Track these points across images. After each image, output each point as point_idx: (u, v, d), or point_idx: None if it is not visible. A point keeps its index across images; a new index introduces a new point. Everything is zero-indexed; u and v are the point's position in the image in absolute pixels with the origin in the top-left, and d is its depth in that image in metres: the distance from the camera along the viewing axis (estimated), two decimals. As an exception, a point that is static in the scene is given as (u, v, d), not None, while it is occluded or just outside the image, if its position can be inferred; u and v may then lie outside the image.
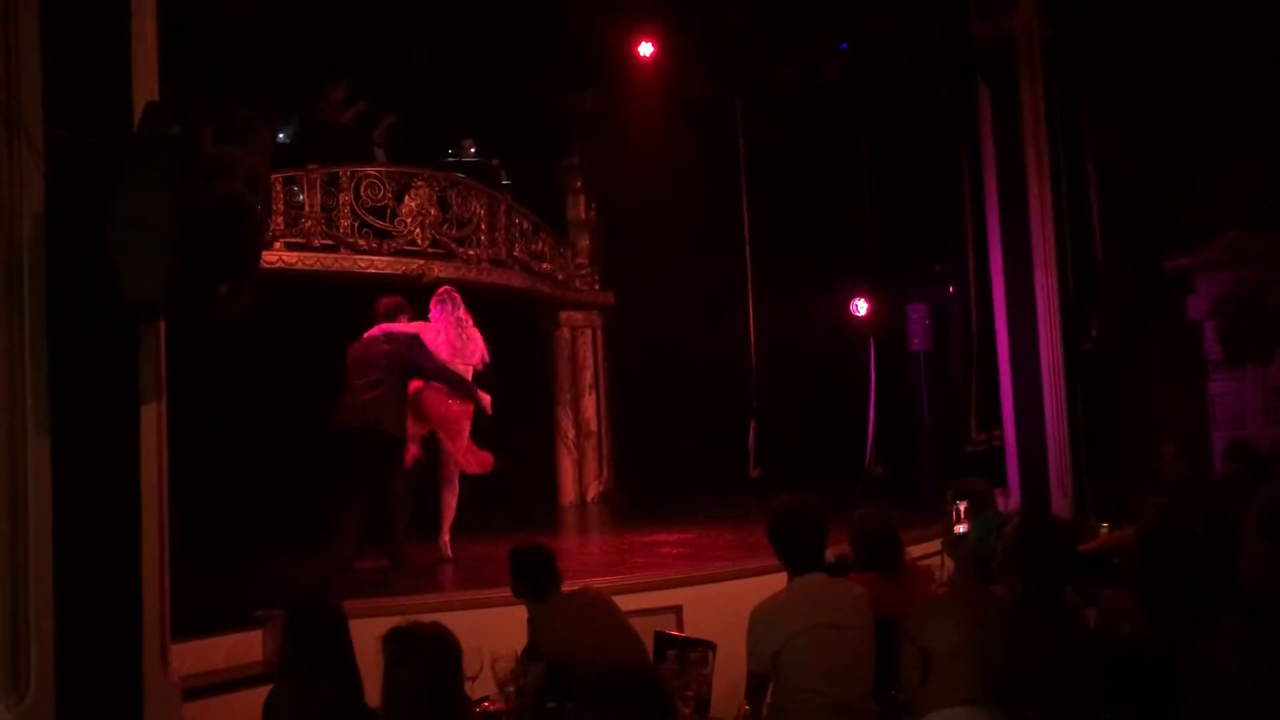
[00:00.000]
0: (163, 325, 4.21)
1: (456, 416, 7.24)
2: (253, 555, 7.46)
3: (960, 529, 6.19)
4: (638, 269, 11.46)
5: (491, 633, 4.03)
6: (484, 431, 9.52)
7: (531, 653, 3.84)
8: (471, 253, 9.48)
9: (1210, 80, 9.63)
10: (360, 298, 8.92)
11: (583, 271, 11.74)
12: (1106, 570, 5.28)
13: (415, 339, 7.06)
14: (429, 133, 10.21)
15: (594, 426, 11.69)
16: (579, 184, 11.94)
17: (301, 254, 8.39)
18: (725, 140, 11.34)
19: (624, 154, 11.35)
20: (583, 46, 10.25)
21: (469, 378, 7.31)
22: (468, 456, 7.31)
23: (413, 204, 9.05)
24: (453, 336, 7.24)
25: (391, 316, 7.18)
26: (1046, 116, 9.14)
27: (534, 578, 4.22)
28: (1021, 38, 9.15)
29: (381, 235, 8.80)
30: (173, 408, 4.23)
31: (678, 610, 5.90)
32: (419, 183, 9.15)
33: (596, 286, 11.91)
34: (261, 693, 3.45)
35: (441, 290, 7.51)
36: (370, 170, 8.88)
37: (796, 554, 3.77)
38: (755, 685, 3.61)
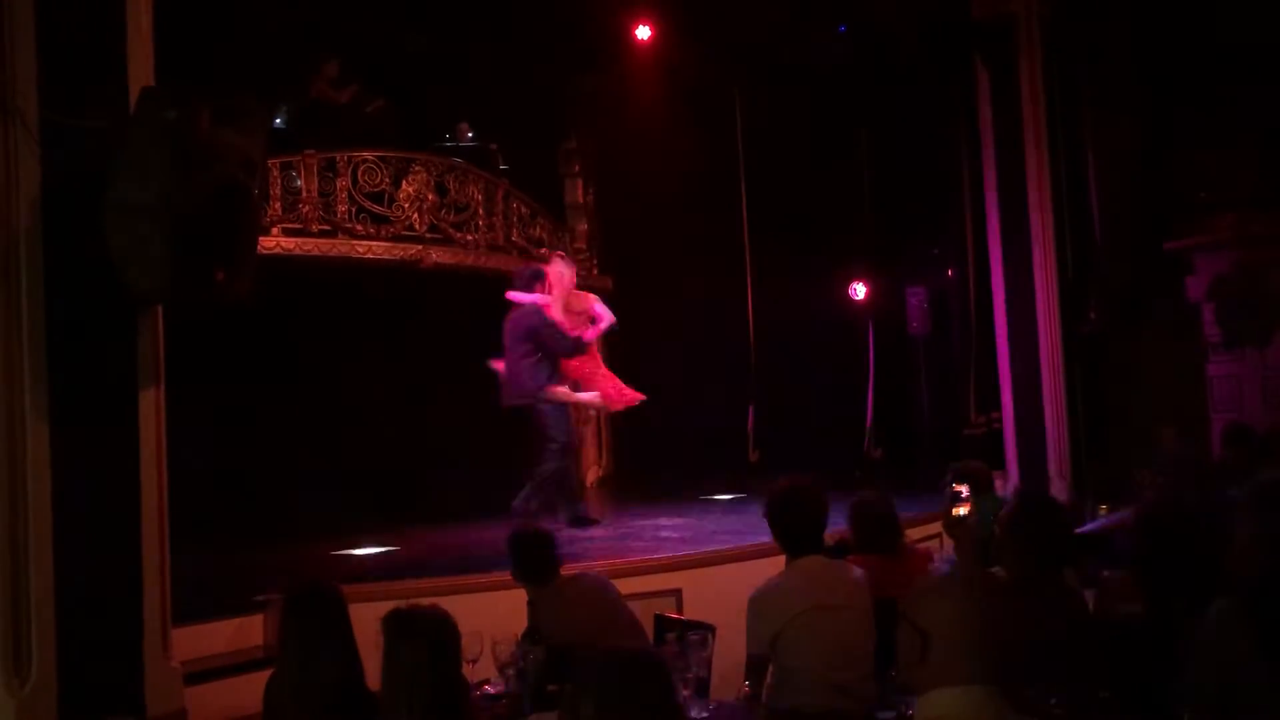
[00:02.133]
0: (161, 311, 4.21)
1: (585, 374, 7.90)
2: (252, 540, 7.46)
3: (960, 511, 6.21)
4: (636, 253, 11.44)
5: (492, 616, 4.04)
6: (485, 419, 9.56)
7: (532, 636, 3.84)
8: (469, 238, 9.46)
9: (1210, 60, 9.61)
10: (358, 283, 8.97)
11: (581, 256, 11.71)
12: (1106, 552, 5.29)
13: (537, 310, 7.55)
14: (426, 117, 10.17)
15: (592, 411, 11.68)
16: (577, 168, 11.91)
17: (299, 239, 8.36)
18: (724, 123, 11.31)
19: (623, 137, 11.32)
20: (581, 29, 10.20)
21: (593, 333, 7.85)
22: (615, 397, 7.99)
23: (410, 189, 9.02)
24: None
25: (527, 286, 7.69)
26: (1045, 97, 9.11)
27: (534, 561, 4.22)
28: (1021, 18, 9.12)
29: (379, 220, 8.78)
30: (172, 393, 4.23)
31: (677, 593, 5.91)
32: (416, 167, 9.12)
33: (595, 271, 11.89)
34: (262, 677, 3.46)
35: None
36: (367, 155, 8.85)
37: (795, 537, 3.78)
38: (755, 667, 3.62)
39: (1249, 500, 3.05)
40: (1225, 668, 2.65)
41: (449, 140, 10.22)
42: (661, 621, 4.43)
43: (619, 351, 11.52)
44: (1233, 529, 3.19)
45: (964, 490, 6.15)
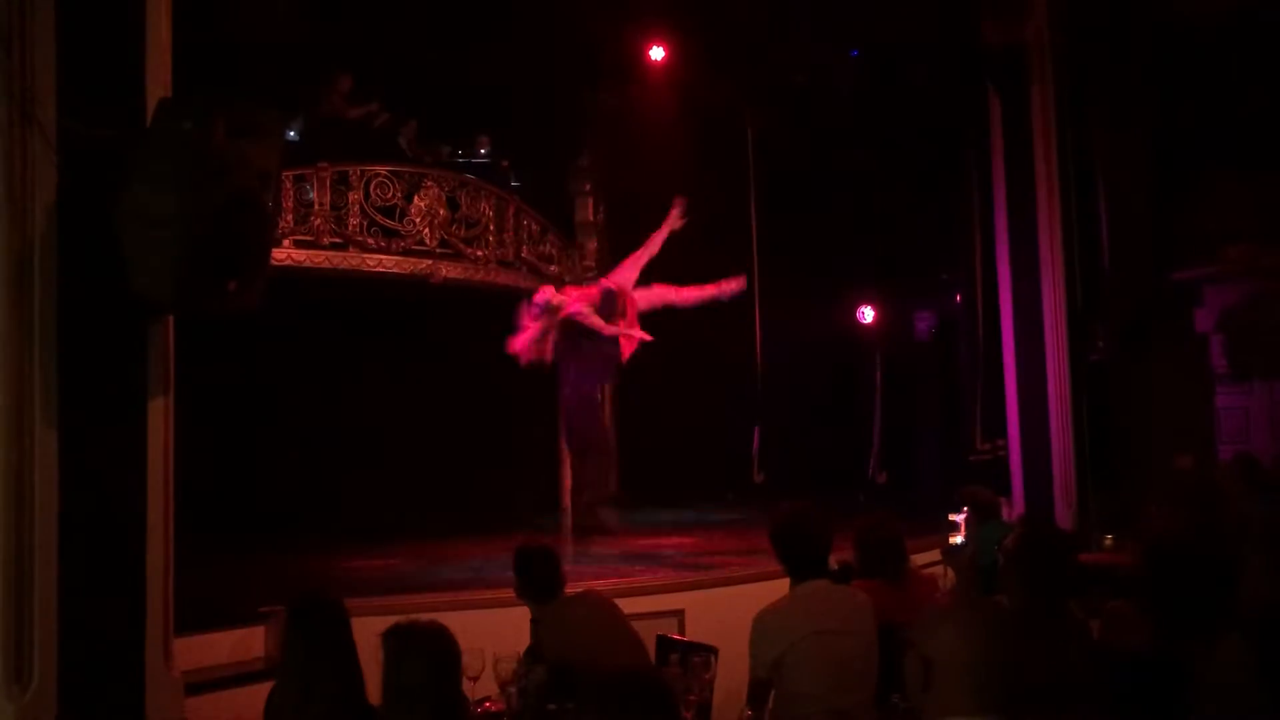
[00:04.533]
0: (172, 320, 4.21)
1: None
2: (257, 551, 7.46)
3: (956, 539, 6.19)
4: (645, 272, 11.44)
5: (494, 633, 4.03)
6: (488, 433, 9.56)
7: (534, 654, 3.83)
8: (480, 253, 9.49)
9: (1222, 90, 9.62)
10: (367, 296, 9.00)
11: (590, 274, 11.73)
12: (1111, 582, 5.26)
13: None
14: (439, 133, 10.22)
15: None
16: (588, 186, 11.94)
17: (310, 252, 8.40)
18: (734, 144, 11.35)
19: (633, 156, 11.36)
20: (594, 48, 10.25)
21: None
22: None
23: (422, 204, 9.06)
24: None
25: None
26: (1056, 125, 9.12)
27: (537, 579, 4.21)
28: (1033, 46, 9.14)
29: (390, 234, 8.81)
30: (180, 403, 4.24)
31: (680, 614, 5.89)
32: (428, 183, 9.16)
33: (603, 289, 11.90)
34: (263, 689, 3.45)
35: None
36: (380, 169, 8.89)
37: (800, 560, 3.76)
38: (757, 691, 3.61)
39: (1261, 539, 3.04)
40: (1232, 704, 2.63)
41: (461, 155, 10.26)
42: (664, 643, 4.40)
43: (633, 370, 11.55)
44: (1238, 561, 3.18)
45: (960, 519, 6.13)
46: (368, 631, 3.19)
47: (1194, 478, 6.82)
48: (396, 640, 2.93)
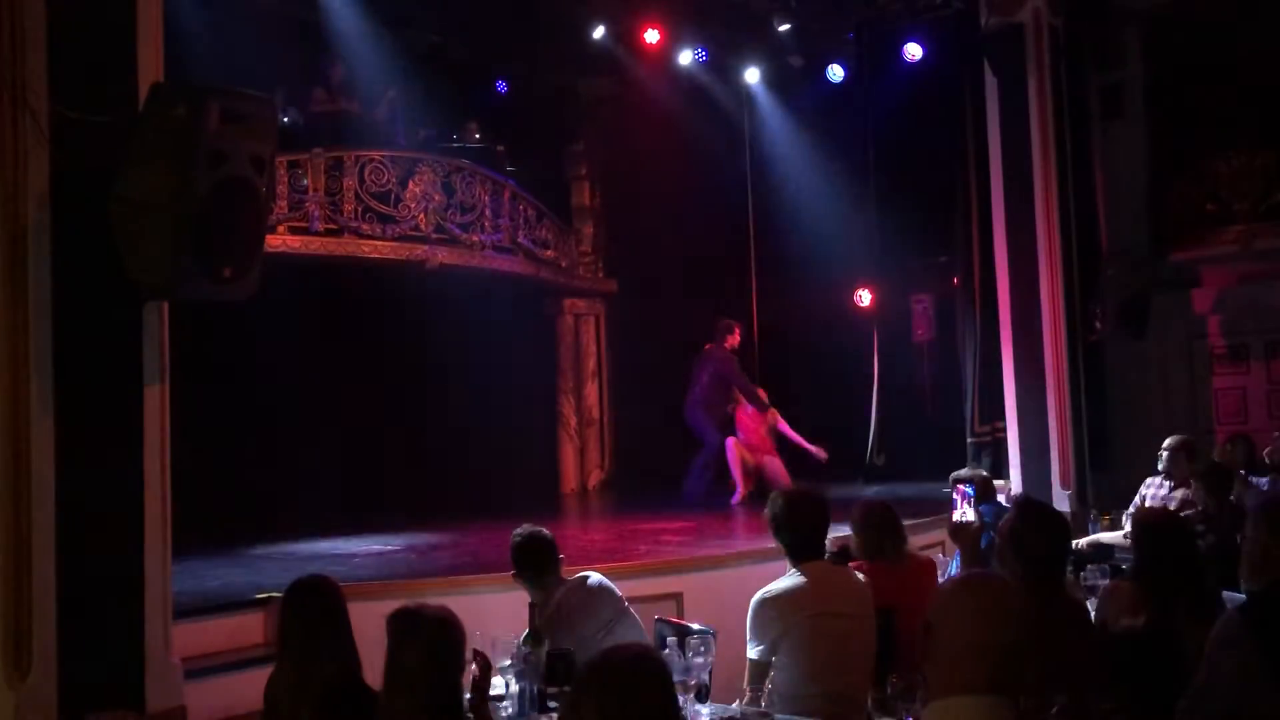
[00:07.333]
0: (167, 307, 4.21)
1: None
2: (254, 537, 7.47)
3: (958, 515, 6.20)
4: (641, 256, 11.44)
5: (493, 617, 4.04)
6: (487, 419, 9.54)
7: (533, 637, 3.83)
8: (475, 239, 9.47)
9: (1219, 72, 9.61)
10: (362, 282, 8.99)
11: (586, 258, 11.72)
12: (1108, 561, 5.28)
13: (732, 357, 9.59)
14: (434, 117, 10.18)
15: (596, 414, 11.70)
16: (584, 170, 11.91)
17: (305, 238, 8.37)
18: (731, 128, 11.32)
19: (629, 141, 11.33)
20: (590, 32, 10.20)
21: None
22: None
23: (417, 189, 9.03)
24: None
25: (720, 336, 9.55)
26: (1053, 106, 9.10)
27: (535, 563, 4.21)
28: (1030, 27, 9.11)
29: (385, 220, 8.79)
30: (176, 390, 4.23)
31: (678, 597, 5.90)
32: (423, 168, 9.13)
33: (600, 273, 11.90)
34: (262, 674, 3.46)
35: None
36: (374, 155, 8.86)
37: (798, 542, 3.77)
38: (756, 672, 3.62)
39: (1258, 515, 3.04)
40: (1229, 680, 2.64)
41: (456, 140, 10.22)
42: (662, 625, 4.41)
43: (629, 356, 11.57)
44: (1241, 536, 3.18)
45: (967, 494, 6.13)
46: (373, 614, 3.19)
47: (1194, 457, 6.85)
48: (400, 623, 2.93)
